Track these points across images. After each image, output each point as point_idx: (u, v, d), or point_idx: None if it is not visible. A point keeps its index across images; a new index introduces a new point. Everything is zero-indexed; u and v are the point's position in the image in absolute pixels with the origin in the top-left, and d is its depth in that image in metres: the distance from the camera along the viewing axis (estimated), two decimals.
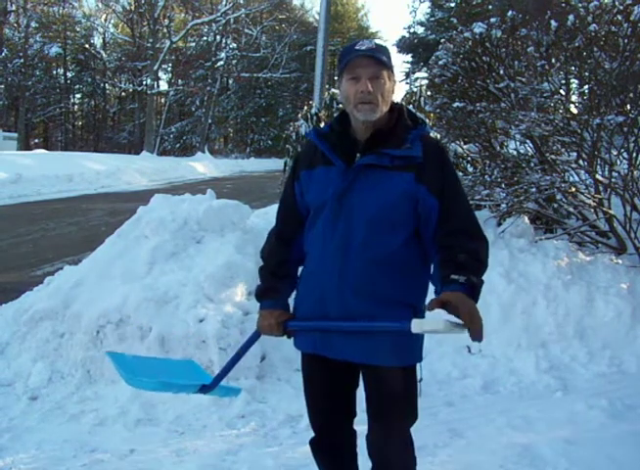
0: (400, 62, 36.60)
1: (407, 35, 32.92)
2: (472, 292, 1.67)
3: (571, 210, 5.17)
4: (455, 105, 5.15)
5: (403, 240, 1.83)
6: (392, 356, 1.83)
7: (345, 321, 1.83)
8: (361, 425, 2.01)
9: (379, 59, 1.80)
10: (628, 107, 4.61)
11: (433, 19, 32.35)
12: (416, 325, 1.66)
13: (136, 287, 3.93)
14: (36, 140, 39.84)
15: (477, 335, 1.61)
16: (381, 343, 1.81)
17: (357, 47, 1.82)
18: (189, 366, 2.32)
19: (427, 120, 5.79)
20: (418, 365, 1.94)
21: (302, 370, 2.05)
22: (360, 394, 1.99)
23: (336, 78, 1.82)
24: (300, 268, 2.02)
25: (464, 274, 1.67)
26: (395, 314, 1.80)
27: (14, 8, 33.37)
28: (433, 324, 1.65)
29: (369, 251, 1.81)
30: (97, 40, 40.17)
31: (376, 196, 1.81)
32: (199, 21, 34.19)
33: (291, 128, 8.48)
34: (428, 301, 1.93)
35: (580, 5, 4.76)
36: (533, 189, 4.76)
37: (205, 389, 2.02)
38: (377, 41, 1.91)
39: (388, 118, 1.87)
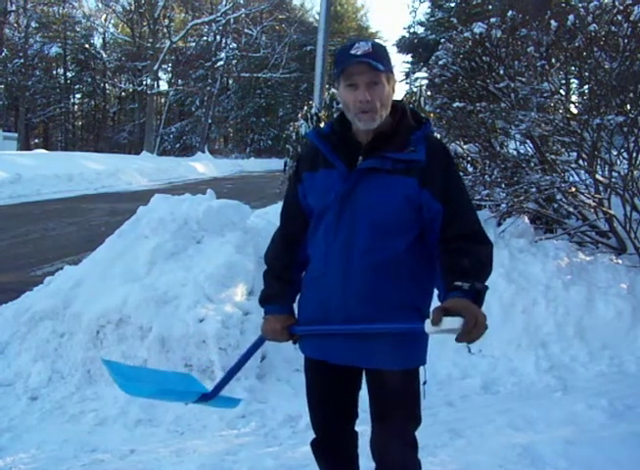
0: (400, 62, 36.67)
1: (407, 35, 32.86)
2: (476, 298, 1.61)
3: (571, 210, 5.17)
4: (455, 105, 5.15)
5: (407, 244, 1.80)
6: (394, 359, 1.81)
7: (352, 325, 1.79)
8: (363, 425, 2.01)
9: (375, 67, 1.73)
10: (628, 107, 4.61)
11: (433, 19, 32.30)
12: (429, 325, 1.57)
13: (136, 287, 3.93)
14: (36, 140, 39.86)
15: (472, 339, 1.57)
16: (381, 346, 1.79)
17: (353, 51, 1.73)
18: (186, 379, 2.26)
19: None
20: (422, 368, 1.92)
21: (305, 373, 2.04)
22: (362, 394, 1.99)
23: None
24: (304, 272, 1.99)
25: (468, 281, 1.61)
26: (399, 319, 1.79)
27: (14, 8, 33.36)
28: (449, 323, 1.54)
29: (372, 255, 1.78)
30: (97, 40, 40.27)
31: (379, 200, 1.78)
32: (199, 21, 34.26)
33: (291, 128, 8.49)
34: (433, 306, 1.92)
35: (580, 5, 4.76)
36: (533, 189, 4.77)
37: (204, 397, 1.98)
38: (373, 41, 1.82)
39: (391, 119, 1.83)
